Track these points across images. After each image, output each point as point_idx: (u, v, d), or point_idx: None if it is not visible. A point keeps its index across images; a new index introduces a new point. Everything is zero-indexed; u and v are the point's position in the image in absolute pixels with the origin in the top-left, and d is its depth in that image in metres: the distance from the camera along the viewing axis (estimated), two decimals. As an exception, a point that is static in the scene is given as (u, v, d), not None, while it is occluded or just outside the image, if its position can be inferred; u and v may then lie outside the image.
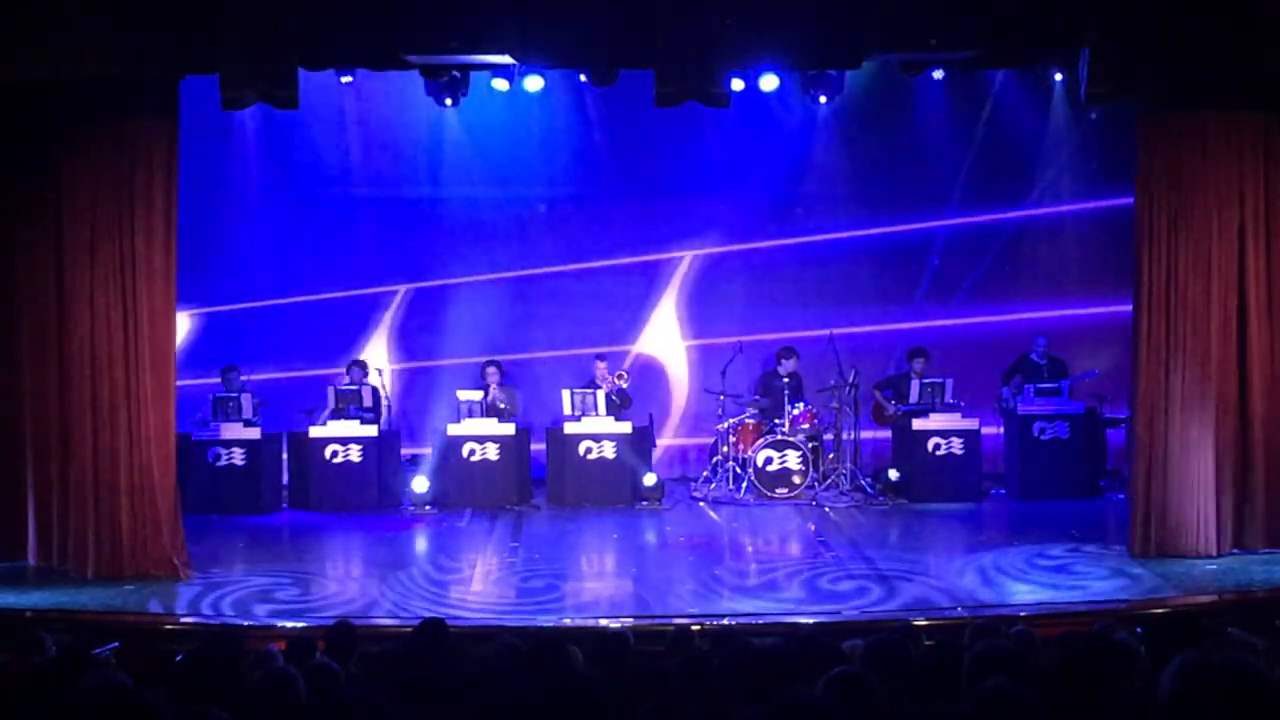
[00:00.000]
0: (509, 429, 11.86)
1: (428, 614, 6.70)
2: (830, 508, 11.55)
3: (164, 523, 9.13)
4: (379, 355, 13.22)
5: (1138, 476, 9.45)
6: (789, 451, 11.81)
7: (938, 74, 11.81)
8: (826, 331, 12.59)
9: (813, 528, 10.75)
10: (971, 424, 12.03)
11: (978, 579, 8.89)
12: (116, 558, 9.06)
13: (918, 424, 11.98)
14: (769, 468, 11.81)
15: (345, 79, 11.74)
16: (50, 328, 9.16)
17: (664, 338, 13.55)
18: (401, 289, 13.37)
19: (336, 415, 11.93)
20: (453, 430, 11.82)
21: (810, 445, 11.92)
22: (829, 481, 12.03)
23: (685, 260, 13.41)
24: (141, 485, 9.08)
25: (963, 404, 12.17)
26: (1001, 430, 12.51)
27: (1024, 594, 8.56)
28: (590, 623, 7.80)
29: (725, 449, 12.21)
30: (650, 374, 13.42)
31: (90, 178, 9.07)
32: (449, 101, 11.54)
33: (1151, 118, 9.35)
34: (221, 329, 13.03)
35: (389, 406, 12.48)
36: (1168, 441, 9.33)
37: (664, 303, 13.49)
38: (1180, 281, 9.31)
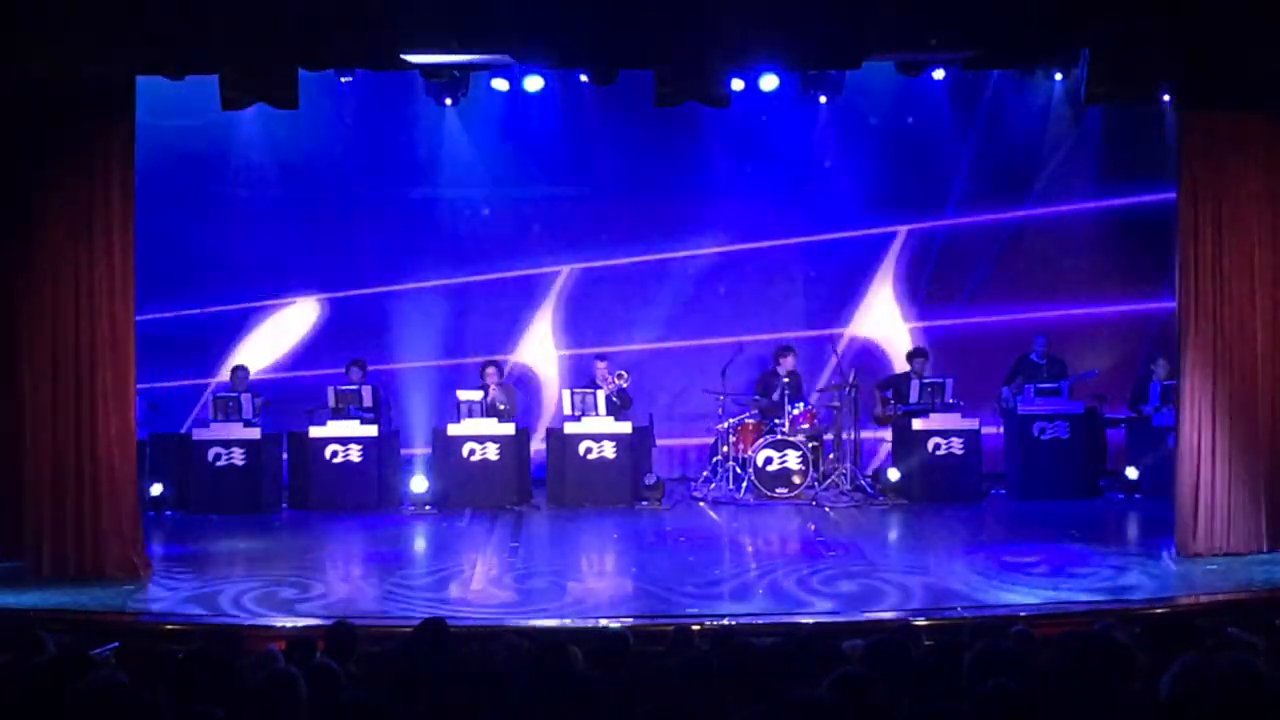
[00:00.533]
0: (509, 429, 11.87)
1: (428, 614, 6.69)
2: (830, 508, 11.55)
3: (124, 523, 9.10)
4: (544, 340, 13.34)
5: (1184, 476, 9.42)
6: (789, 451, 11.81)
7: (938, 74, 11.81)
8: (827, 332, 12.58)
9: (813, 528, 10.74)
10: (971, 424, 12.04)
11: (978, 579, 8.88)
12: (74, 556, 8.99)
13: (918, 424, 11.98)
14: (769, 468, 11.81)
15: (345, 79, 11.73)
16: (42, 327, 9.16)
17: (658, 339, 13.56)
18: (566, 269, 13.40)
19: (338, 415, 11.93)
20: (453, 430, 11.82)
21: (810, 445, 11.92)
22: (829, 481, 12.03)
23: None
24: (100, 485, 9.03)
25: (963, 404, 12.17)
26: (1001, 430, 12.51)
27: (1024, 594, 8.54)
28: (590, 623, 7.80)
29: (725, 449, 12.21)
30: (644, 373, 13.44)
31: (59, 176, 9.03)
32: (449, 101, 11.57)
33: (1190, 119, 9.32)
34: (351, 314, 13.19)
35: (387, 407, 12.48)
36: (1215, 441, 9.34)
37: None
38: (1226, 283, 9.33)
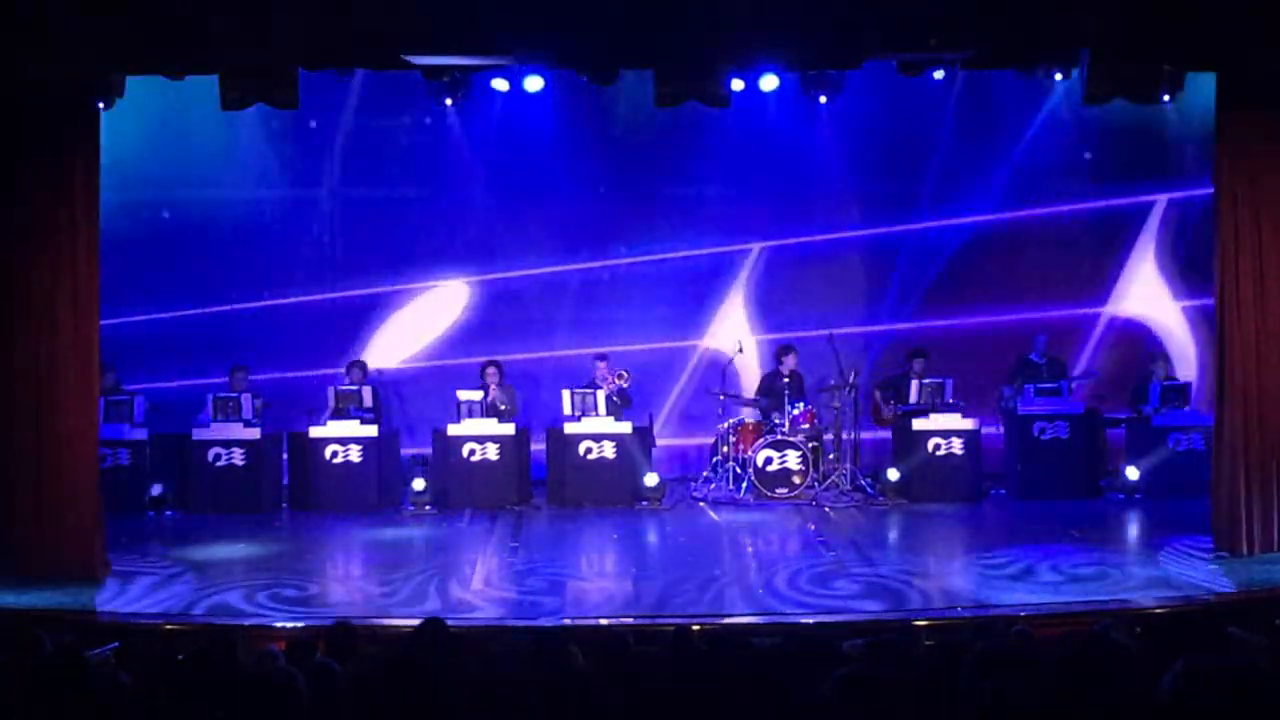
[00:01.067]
0: (509, 429, 11.86)
1: (428, 614, 6.70)
2: (830, 508, 11.55)
3: (85, 524, 9.01)
4: (739, 321, 13.37)
5: (1224, 474, 9.38)
6: (789, 451, 11.81)
7: (938, 74, 11.79)
8: (826, 331, 12.59)
9: (813, 528, 10.75)
10: (971, 424, 12.03)
11: (978, 579, 8.89)
12: (32, 556, 8.91)
13: (918, 424, 11.97)
14: (769, 468, 11.81)
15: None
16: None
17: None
18: (756, 246, 13.40)
19: (337, 415, 11.93)
20: (453, 430, 11.82)
21: (810, 445, 11.92)
22: (829, 481, 12.02)
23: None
24: (61, 486, 8.97)
25: (963, 404, 12.17)
26: (1001, 430, 12.51)
27: (1024, 594, 8.54)
28: (590, 623, 7.80)
29: (725, 449, 12.21)
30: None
31: (25, 178, 8.99)
32: (449, 101, 11.56)
33: (1228, 119, 9.27)
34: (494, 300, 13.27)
35: (386, 409, 12.47)
36: (1265, 437, 9.30)
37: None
38: (1266, 280, 9.31)
